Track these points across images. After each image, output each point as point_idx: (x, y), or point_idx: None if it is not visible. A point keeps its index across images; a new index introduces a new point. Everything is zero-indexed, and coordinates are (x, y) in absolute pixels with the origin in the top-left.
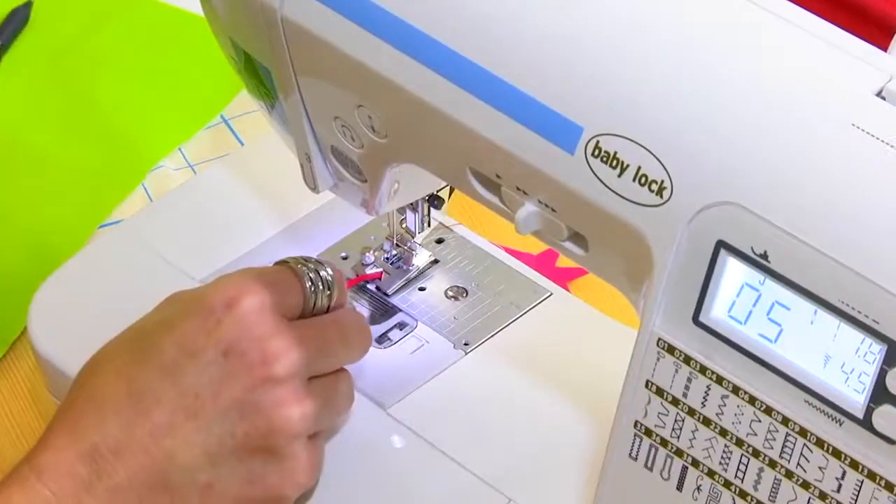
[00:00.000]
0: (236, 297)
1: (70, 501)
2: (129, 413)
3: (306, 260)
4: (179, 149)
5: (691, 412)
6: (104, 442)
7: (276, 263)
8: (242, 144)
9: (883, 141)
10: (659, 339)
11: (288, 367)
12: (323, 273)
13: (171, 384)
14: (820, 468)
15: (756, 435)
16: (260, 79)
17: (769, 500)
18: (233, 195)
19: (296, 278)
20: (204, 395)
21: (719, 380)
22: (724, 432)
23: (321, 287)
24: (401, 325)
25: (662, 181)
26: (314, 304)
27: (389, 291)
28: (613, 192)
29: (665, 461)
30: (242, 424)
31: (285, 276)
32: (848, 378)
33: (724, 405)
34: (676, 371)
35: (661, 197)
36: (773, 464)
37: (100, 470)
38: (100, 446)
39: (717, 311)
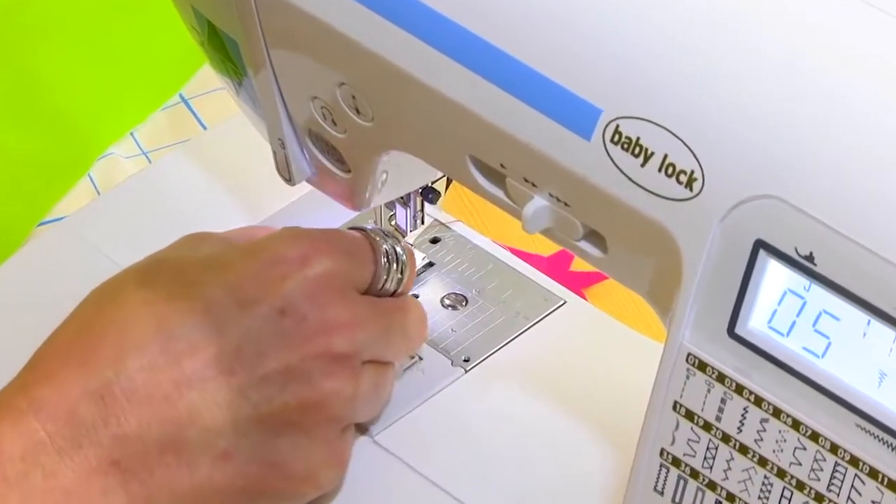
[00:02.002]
0: (310, 256)
1: (65, 446)
2: (154, 352)
3: (383, 232)
4: (131, 133)
5: (726, 438)
6: (118, 381)
7: (352, 228)
8: (205, 128)
9: None
10: (689, 355)
11: (349, 342)
12: (399, 251)
13: (212, 331)
14: (874, 502)
15: (800, 464)
16: (225, 52)
17: None
18: (194, 188)
19: (371, 251)
20: (247, 351)
21: (758, 401)
22: (763, 461)
23: (395, 267)
24: None
25: (692, 171)
26: (382, 285)
27: None
28: (636, 183)
29: (696, 495)
30: (284, 394)
31: (362, 246)
32: None
33: (764, 430)
34: (709, 391)
35: (691, 190)
36: (819, 497)
37: (107, 413)
38: (113, 386)
39: (756, 322)
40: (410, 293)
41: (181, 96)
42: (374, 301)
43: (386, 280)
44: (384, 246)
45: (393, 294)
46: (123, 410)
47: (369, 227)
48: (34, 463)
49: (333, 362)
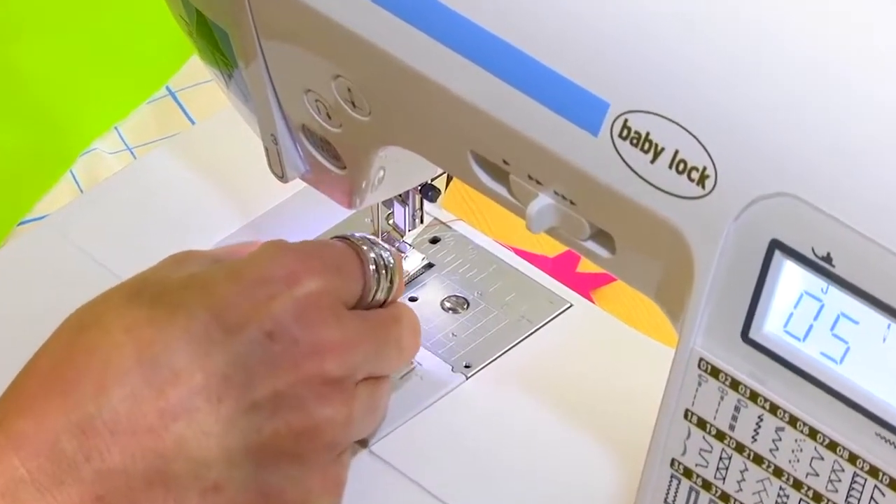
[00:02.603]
0: (299, 274)
1: (47, 482)
2: (137, 382)
3: (370, 240)
4: (115, 128)
5: (739, 448)
6: (101, 414)
7: (336, 238)
8: (193, 123)
9: None
10: (701, 360)
11: (342, 366)
12: (387, 258)
13: (197, 357)
14: None
15: (817, 475)
16: (215, 43)
17: None
18: (181, 185)
19: (359, 262)
20: (235, 378)
21: (773, 408)
22: (778, 472)
23: (384, 275)
24: None
25: (705, 168)
26: (373, 296)
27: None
28: (645, 181)
29: None
30: (274, 421)
31: (349, 257)
32: None
33: (780, 439)
34: (722, 398)
35: (703, 187)
36: None
37: (90, 447)
38: (95, 419)
39: (771, 326)
40: (406, 297)
41: (168, 89)
42: (366, 316)
43: (376, 291)
44: (371, 255)
45: (383, 303)
46: (106, 444)
47: (357, 234)
48: (14, 501)
49: (326, 386)
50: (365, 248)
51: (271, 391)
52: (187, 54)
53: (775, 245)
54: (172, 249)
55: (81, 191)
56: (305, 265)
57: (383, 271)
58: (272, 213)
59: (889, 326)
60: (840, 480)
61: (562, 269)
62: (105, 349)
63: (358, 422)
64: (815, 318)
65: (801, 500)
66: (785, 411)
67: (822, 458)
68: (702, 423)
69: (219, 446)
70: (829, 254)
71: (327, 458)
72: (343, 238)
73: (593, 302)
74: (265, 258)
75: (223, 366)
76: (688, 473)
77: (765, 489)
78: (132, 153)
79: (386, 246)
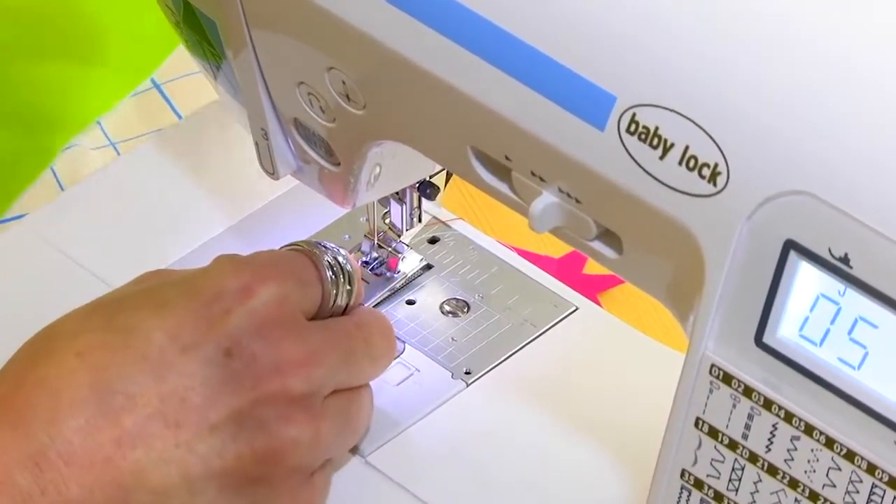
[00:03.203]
0: (252, 286)
1: None
2: (91, 411)
3: (322, 245)
4: (98, 122)
5: (753, 458)
6: (55, 445)
7: (286, 247)
8: (180, 118)
9: None
10: (712, 366)
11: (306, 381)
12: (342, 261)
13: (153, 381)
14: None
15: (835, 486)
16: (203, 33)
17: None
18: (167, 183)
19: (314, 268)
20: (193, 400)
21: (788, 417)
22: (794, 483)
23: (342, 279)
24: None
25: (716, 165)
26: (333, 301)
27: (369, 305)
28: (654, 178)
29: None
30: (236, 444)
31: (303, 264)
32: None
33: (795, 448)
34: (734, 406)
35: (715, 185)
36: None
37: (45, 480)
38: (49, 450)
39: (786, 330)
40: (403, 300)
41: (153, 81)
42: (328, 325)
43: (336, 295)
44: (326, 259)
45: (345, 310)
46: (63, 476)
47: (308, 241)
48: None
49: (290, 405)
50: (318, 252)
51: (231, 412)
52: (173, 45)
53: (790, 245)
54: (157, 251)
55: (62, 189)
56: (259, 276)
57: (341, 275)
58: (262, 212)
59: None
60: (858, 492)
61: (567, 270)
62: (56, 377)
63: (328, 440)
64: (832, 321)
65: None
66: (800, 419)
67: (840, 469)
68: (713, 432)
69: (179, 473)
70: (846, 255)
71: (296, 480)
72: (292, 247)
73: (600, 305)
74: (217, 273)
75: (180, 388)
76: (699, 485)
77: (779, 501)
78: (115, 149)
79: (340, 249)
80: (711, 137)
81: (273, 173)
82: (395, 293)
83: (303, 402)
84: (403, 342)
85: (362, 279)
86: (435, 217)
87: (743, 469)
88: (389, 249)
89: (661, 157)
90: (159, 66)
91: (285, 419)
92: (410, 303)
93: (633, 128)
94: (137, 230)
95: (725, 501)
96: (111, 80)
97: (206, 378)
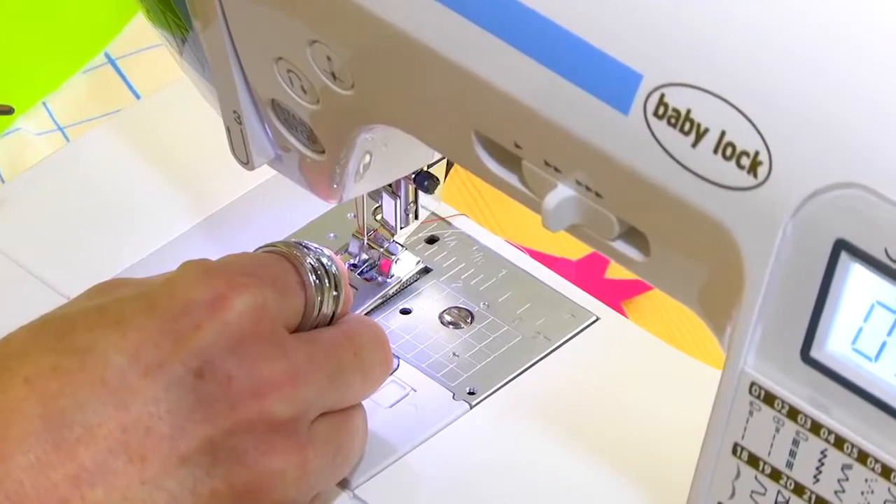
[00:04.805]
0: (225, 295)
1: None
2: (43, 445)
3: (303, 245)
4: (43, 103)
5: (799, 490)
6: (3, 487)
7: (262, 249)
8: (138, 98)
9: None
10: (752, 384)
11: (290, 404)
12: (327, 264)
13: (113, 409)
14: None
15: None
16: (166, 0)
17: None
18: (124, 174)
19: (295, 272)
20: (160, 430)
21: (839, 442)
22: None
23: (328, 285)
24: None
25: (757, 153)
26: (318, 311)
27: (359, 314)
28: (685, 168)
29: None
30: (211, 480)
31: (282, 268)
32: None
33: (846, 479)
34: (777, 430)
35: (756, 176)
36: None
37: None
38: None
39: (837, 343)
40: (397, 308)
41: (107, 55)
42: (313, 338)
43: (321, 303)
44: (308, 262)
45: (332, 319)
46: None
47: (280, 242)
48: None
49: (272, 432)
50: (299, 254)
51: (204, 442)
52: (131, 13)
53: (841, 246)
54: (113, 253)
55: (1, 181)
56: (232, 284)
57: (326, 280)
58: (235, 208)
59: None
60: None
61: (586, 275)
62: (2, 407)
63: (317, 471)
64: (889, 333)
65: None
66: (853, 445)
67: None
68: (754, 461)
69: None
70: None
71: None
72: (268, 248)
73: (625, 315)
74: (183, 281)
75: (145, 416)
76: None
77: None
78: (64, 134)
79: (324, 250)
80: (751, 122)
81: (247, 163)
82: (387, 301)
83: (286, 429)
84: (398, 358)
85: (350, 284)
86: (434, 213)
87: (787, 502)
88: (381, 250)
89: (694, 145)
90: (114, 39)
91: (267, 449)
92: (405, 312)
93: (661, 110)
94: (89, 229)
95: None
96: (58, 54)
97: (173, 404)
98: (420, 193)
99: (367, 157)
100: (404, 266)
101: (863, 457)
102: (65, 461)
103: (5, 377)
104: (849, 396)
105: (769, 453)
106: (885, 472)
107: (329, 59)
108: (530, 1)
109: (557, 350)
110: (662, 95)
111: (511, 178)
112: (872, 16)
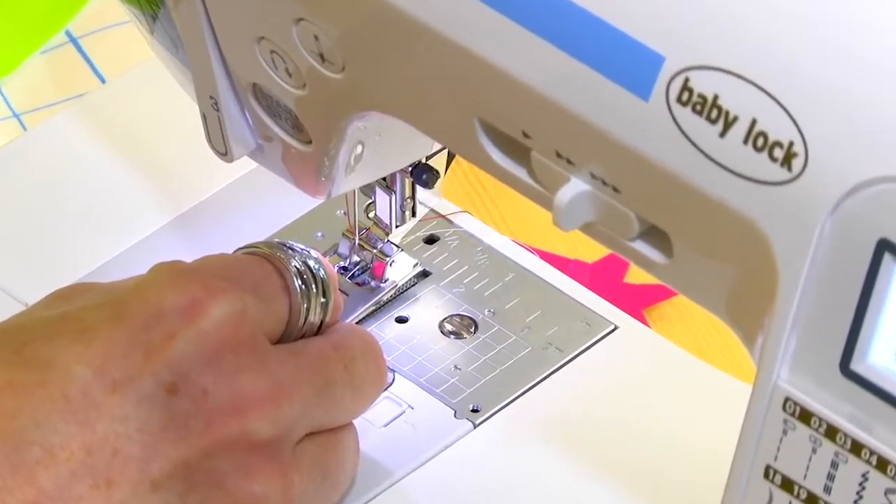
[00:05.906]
0: (202, 302)
1: None
2: (0, 468)
3: (287, 247)
4: None
5: None
6: None
7: (241, 251)
8: (104, 81)
9: None
10: (786, 400)
11: (272, 422)
12: (314, 267)
13: (76, 428)
14: None
15: None
16: None
17: None
18: (87, 166)
19: (279, 276)
20: (129, 451)
21: (882, 464)
22: None
23: (315, 290)
24: None
25: (791, 144)
26: (304, 319)
27: (349, 322)
28: (712, 160)
29: None
30: None
31: (265, 272)
32: None
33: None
34: (814, 450)
35: (790, 169)
36: None
37: None
38: None
39: (879, 355)
40: (391, 317)
41: (68, 34)
42: (298, 350)
43: (308, 311)
44: (294, 265)
45: (320, 328)
46: None
47: (263, 243)
48: None
49: (253, 453)
50: (282, 256)
51: (178, 465)
52: None
53: (885, 246)
54: (76, 254)
55: None
56: (208, 289)
57: (313, 285)
58: (211, 204)
59: None
60: None
61: (603, 279)
62: None
63: (302, 496)
64: None
65: None
66: None
67: None
68: (788, 485)
69: None
70: None
71: None
72: (251, 249)
73: (645, 323)
74: (154, 286)
75: (111, 436)
76: None
77: None
78: (20, 122)
79: (311, 252)
80: (785, 109)
81: (225, 154)
82: (381, 308)
83: (269, 450)
84: (393, 371)
85: (340, 290)
86: (433, 210)
87: None
88: (375, 252)
89: (722, 134)
90: (76, 15)
91: (247, 472)
92: (402, 320)
93: (685, 96)
94: (49, 228)
95: None
96: (14, 33)
97: (144, 422)
98: (418, 188)
99: (359, 148)
100: (400, 269)
101: None
102: (22, 485)
103: None
104: (893, 413)
105: (805, 476)
106: None
107: (317, 38)
108: None
109: (571, 363)
110: (687, 80)
111: (519, 172)
112: None
